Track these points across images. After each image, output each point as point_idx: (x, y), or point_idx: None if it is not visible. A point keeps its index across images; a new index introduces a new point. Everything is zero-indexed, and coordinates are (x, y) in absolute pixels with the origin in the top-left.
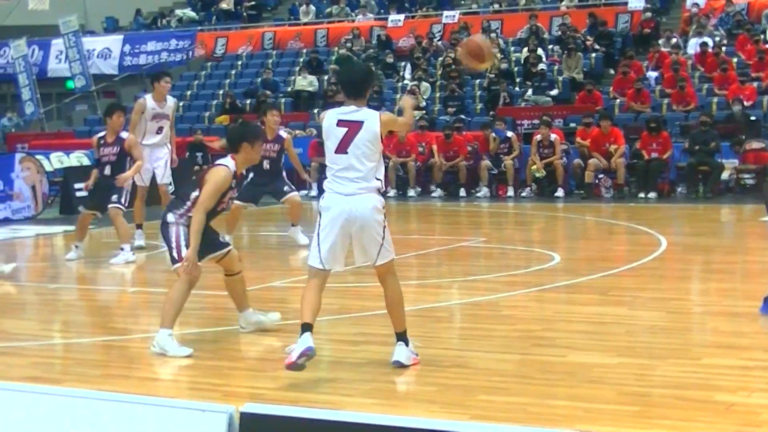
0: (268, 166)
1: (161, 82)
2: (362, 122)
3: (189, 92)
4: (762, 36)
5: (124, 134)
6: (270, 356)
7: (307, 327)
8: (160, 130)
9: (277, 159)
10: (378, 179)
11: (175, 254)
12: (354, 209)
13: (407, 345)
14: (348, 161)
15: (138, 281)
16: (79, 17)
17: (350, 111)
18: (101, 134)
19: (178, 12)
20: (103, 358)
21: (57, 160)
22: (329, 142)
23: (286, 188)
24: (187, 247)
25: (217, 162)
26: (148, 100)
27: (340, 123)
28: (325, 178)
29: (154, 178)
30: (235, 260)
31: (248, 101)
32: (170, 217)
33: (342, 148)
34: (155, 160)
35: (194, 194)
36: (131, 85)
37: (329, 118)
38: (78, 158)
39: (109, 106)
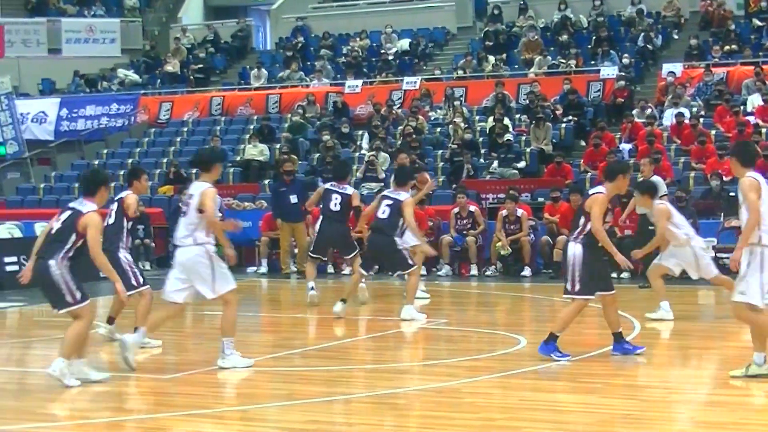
0: None
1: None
2: None
3: (130, 160)
4: (742, 107)
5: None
6: None
7: None
8: None
9: None
10: None
11: (69, 298)
12: None
13: None
14: None
15: None
16: (13, 78)
17: None
18: None
19: (120, 74)
20: None
21: None
22: None
23: None
24: (78, 289)
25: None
26: None
27: None
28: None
29: None
30: None
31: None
32: (52, 263)
33: None
34: None
35: (72, 238)
36: (68, 151)
37: None
38: (9, 230)
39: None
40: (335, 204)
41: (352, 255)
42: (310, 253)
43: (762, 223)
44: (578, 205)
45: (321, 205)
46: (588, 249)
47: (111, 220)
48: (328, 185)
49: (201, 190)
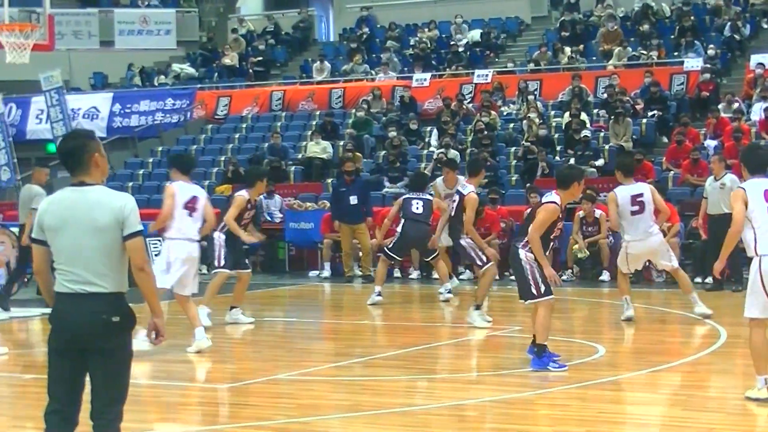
0: None
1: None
2: None
3: None
4: None
5: None
6: None
7: None
8: None
9: None
10: None
11: (534, 290)
12: None
13: None
14: None
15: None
16: (63, 72)
17: None
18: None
19: (176, 67)
20: None
21: None
22: None
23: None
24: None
25: None
26: None
27: None
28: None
29: None
30: None
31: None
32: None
33: None
34: None
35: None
36: (121, 149)
37: None
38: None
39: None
40: (417, 207)
41: (434, 257)
42: (388, 250)
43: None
44: (530, 212)
45: (402, 212)
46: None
47: None
48: (405, 195)
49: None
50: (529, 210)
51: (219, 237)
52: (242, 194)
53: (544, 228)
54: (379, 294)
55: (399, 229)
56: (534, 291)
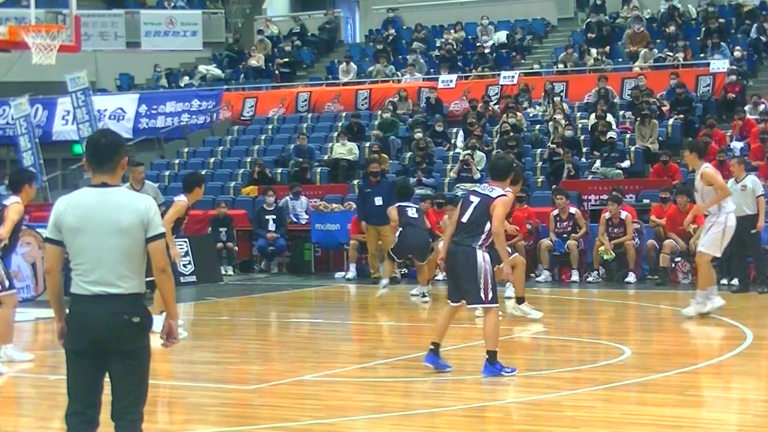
0: None
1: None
2: None
3: (212, 159)
4: None
5: None
6: None
7: None
8: None
9: None
10: None
11: (483, 295)
12: None
13: None
14: None
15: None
16: (90, 73)
17: None
18: None
19: (202, 69)
20: None
21: None
22: None
23: None
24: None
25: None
26: None
27: None
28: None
29: None
30: None
31: (279, 170)
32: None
33: None
34: None
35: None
36: (147, 150)
37: None
38: None
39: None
40: (412, 212)
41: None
42: (392, 251)
43: None
44: (476, 208)
45: (401, 219)
46: (491, 256)
47: None
48: (398, 204)
49: None
50: (471, 209)
51: None
52: (182, 199)
53: (504, 220)
54: (386, 287)
55: (397, 235)
56: (483, 296)
